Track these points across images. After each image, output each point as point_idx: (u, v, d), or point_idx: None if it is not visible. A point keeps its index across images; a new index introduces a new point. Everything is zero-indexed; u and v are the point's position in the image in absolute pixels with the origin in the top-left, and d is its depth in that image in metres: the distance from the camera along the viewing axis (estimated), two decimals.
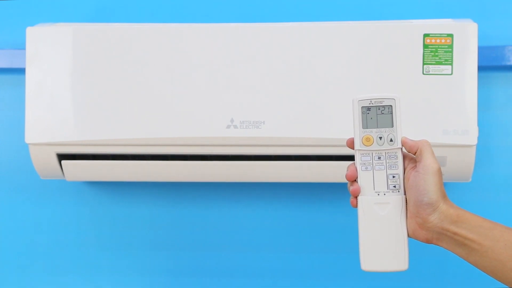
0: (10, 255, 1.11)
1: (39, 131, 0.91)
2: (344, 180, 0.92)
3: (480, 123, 0.86)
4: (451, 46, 0.86)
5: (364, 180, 0.64)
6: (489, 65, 0.96)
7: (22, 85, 0.93)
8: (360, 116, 0.64)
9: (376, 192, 0.64)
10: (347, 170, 0.65)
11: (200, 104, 0.88)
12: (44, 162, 0.93)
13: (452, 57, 0.86)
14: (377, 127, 0.64)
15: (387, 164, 0.64)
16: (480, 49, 0.87)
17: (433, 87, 0.86)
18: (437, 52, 0.86)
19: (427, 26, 0.86)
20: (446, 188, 0.97)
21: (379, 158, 0.64)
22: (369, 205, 0.64)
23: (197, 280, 1.09)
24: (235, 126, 0.88)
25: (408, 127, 0.85)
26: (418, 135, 0.85)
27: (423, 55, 0.86)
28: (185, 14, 1.06)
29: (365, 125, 0.64)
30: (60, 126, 0.90)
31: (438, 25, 0.86)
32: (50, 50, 0.91)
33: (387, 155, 0.64)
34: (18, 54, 1.03)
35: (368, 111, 0.64)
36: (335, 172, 0.91)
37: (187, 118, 0.88)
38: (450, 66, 0.86)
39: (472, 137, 0.85)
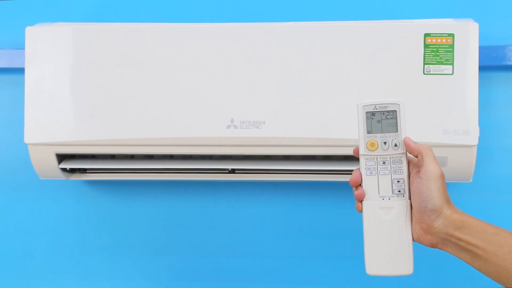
0: (9, 255, 1.10)
1: (38, 131, 0.90)
2: (344, 179, 0.93)
3: (481, 123, 0.86)
4: (452, 46, 0.85)
5: (368, 185, 0.65)
6: (490, 65, 0.95)
7: (21, 85, 0.93)
8: (365, 121, 0.64)
9: (380, 196, 0.64)
10: (352, 175, 0.66)
11: (200, 104, 0.88)
12: (43, 162, 0.93)
13: (453, 57, 0.85)
14: (382, 132, 0.64)
15: (392, 169, 0.64)
16: (481, 49, 0.87)
17: (434, 87, 0.85)
18: (438, 52, 0.85)
19: (428, 25, 0.86)
20: (447, 188, 0.97)
21: (384, 163, 0.64)
22: (374, 209, 0.64)
23: (200, 282, 1.08)
24: (235, 126, 0.88)
25: (409, 127, 0.85)
26: (419, 135, 0.85)
27: (424, 55, 0.86)
28: (185, 14, 1.06)
29: (370, 130, 0.64)
30: (60, 126, 0.90)
31: (439, 25, 0.86)
32: (49, 50, 0.91)
33: (391, 160, 0.64)
34: (17, 54, 1.02)
35: (372, 116, 0.64)
36: (335, 171, 0.91)
37: (187, 118, 0.88)
38: (451, 66, 0.85)
39: (473, 137, 0.85)
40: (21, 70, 0.94)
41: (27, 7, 1.08)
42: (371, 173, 0.65)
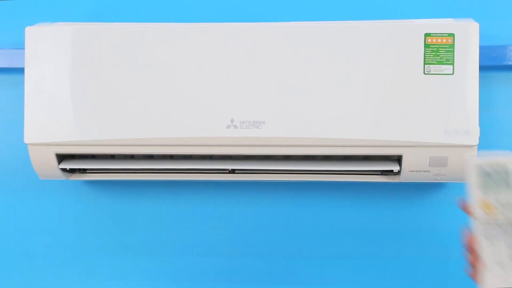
0: (9, 255, 1.10)
1: (38, 131, 0.90)
2: (344, 179, 0.93)
3: (481, 123, 0.85)
4: (452, 45, 0.85)
5: (487, 254, 0.57)
6: (491, 64, 0.95)
7: (21, 84, 0.93)
8: (479, 181, 0.57)
9: (503, 270, 0.57)
10: (465, 236, 0.59)
11: (200, 104, 0.88)
12: (43, 162, 0.93)
13: (453, 56, 0.85)
14: (499, 194, 0.57)
15: None
16: (482, 48, 0.87)
17: (434, 87, 0.85)
18: (438, 52, 0.85)
19: (428, 25, 0.86)
20: (448, 188, 0.97)
21: (503, 229, 0.57)
22: (496, 284, 0.57)
23: (200, 282, 1.08)
24: (235, 126, 0.87)
25: (409, 128, 0.85)
26: (420, 135, 0.85)
27: (424, 54, 0.86)
28: (185, 14, 1.06)
29: (485, 191, 0.57)
30: (60, 126, 0.90)
31: (439, 25, 0.86)
32: (49, 50, 0.91)
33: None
34: (17, 54, 1.02)
35: (487, 176, 0.57)
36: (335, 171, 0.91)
37: (187, 118, 0.88)
38: (451, 66, 0.85)
39: (473, 137, 0.85)
40: (21, 70, 0.94)
41: (27, 7, 1.08)
42: (488, 240, 0.57)
